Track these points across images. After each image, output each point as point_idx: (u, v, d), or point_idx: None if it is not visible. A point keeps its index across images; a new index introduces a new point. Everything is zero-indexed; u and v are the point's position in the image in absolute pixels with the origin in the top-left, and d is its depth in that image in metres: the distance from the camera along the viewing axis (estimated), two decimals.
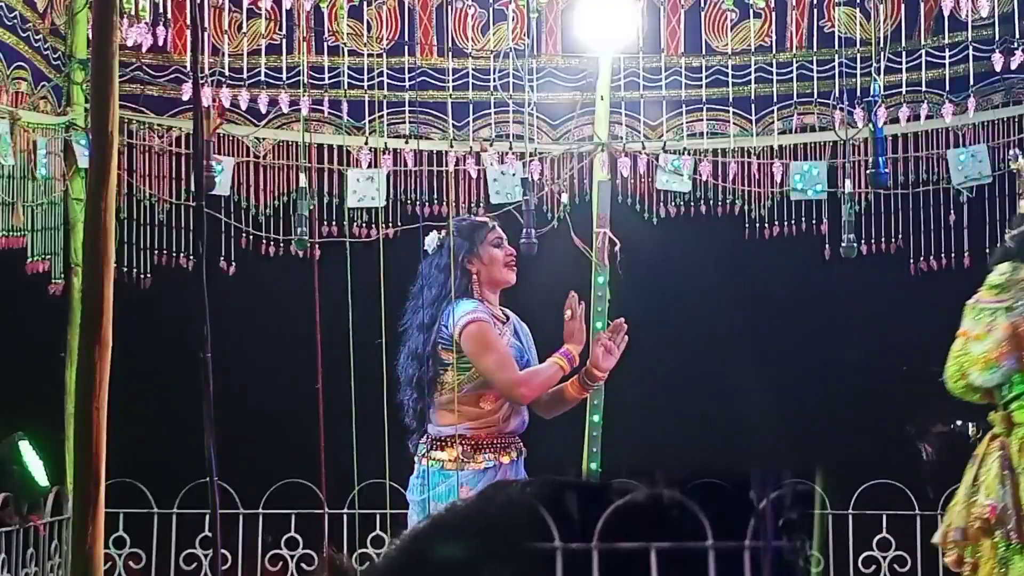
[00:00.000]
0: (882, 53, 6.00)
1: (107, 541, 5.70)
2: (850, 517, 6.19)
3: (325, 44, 6.25)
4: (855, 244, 6.11)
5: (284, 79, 6.12)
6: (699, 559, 2.27)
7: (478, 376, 4.60)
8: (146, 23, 5.81)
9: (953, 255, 6.16)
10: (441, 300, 4.67)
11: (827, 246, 6.28)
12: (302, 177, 6.07)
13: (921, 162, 6.30)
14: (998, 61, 5.83)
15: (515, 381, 4.60)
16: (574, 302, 4.73)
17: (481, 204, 6.28)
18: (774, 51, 6.35)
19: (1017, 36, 5.80)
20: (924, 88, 6.12)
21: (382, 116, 6.27)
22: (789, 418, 6.41)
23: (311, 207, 6.06)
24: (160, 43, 5.95)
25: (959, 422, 6.80)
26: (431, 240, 4.78)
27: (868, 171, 6.12)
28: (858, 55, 6.15)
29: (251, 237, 6.27)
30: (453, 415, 4.59)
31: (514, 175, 6.27)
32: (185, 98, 6.06)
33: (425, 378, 4.64)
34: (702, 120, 6.40)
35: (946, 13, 5.86)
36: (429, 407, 4.68)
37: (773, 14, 6.33)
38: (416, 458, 4.69)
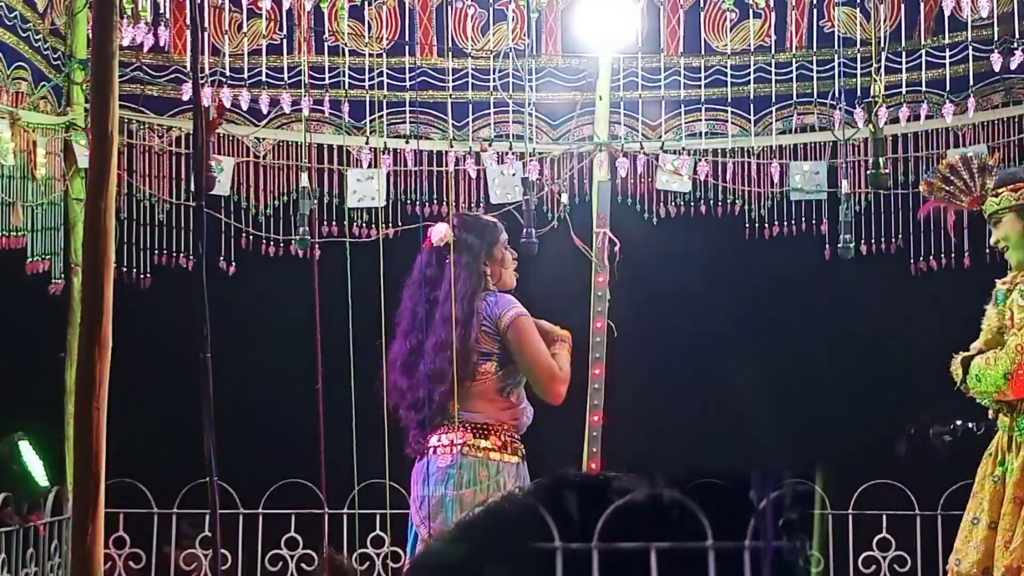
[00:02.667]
0: (882, 53, 6.00)
1: (107, 541, 5.70)
2: (850, 517, 6.19)
3: (325, 44, 6.25)
4: (851, 245, 6.11)
5: (285, 79, 6.12)
6: (699, 559, 2.27)
7: (515, 369, 4.57)
8: (146, 23, 5.81)
9: (953, 255, 6.16)
10: (471, 296, 4.59)
11: (827, 246, 6.28)
12: (303, 177, 6.07)
13: (921, 162, 6.30)
14: (996, 61, 5.83)
15: (561, 379, 4.59)
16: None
17: (481, 204, 6.28)
18: (774, 51, 6.34)
19: (1017, 36, 5.80)
20: (924, 88, 6.12)
21: (382, 116, 6.27)
22: (789, 418, 6.41)
23: (313, 206, 6.05)
24: (160, 43, 5.95)
25: (958, 422, 6.78)
26: (438, 232, 4.73)
27: (868, 171, 6.12)
28: (858, 55, 6.15)
29: (251, 237, 6.27)
30: (492, 404, 4.55)
31: (514, 175, 6.27)
32: (185, 98, 6.06)
33: (457, 373, 4.54)
34: (701, 120, 6.41)
35: (947, 13, 5.86)
36: (452, 398, 4.58)
37: (773, 14, 6.33)
38: (443, 449, 4.57)
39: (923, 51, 6.13)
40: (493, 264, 4.70)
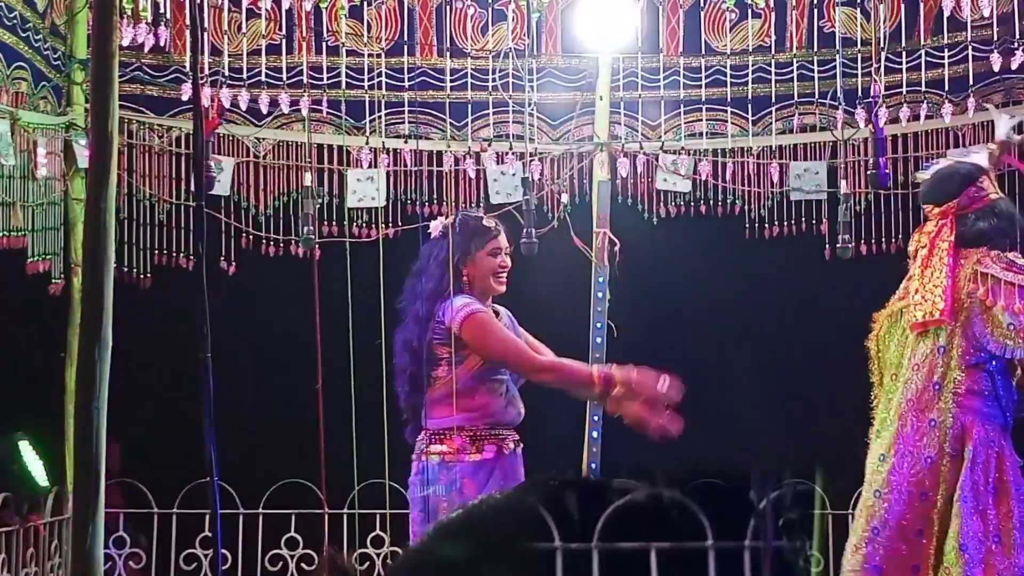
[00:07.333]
0: (882, 53, 6.00)
1: (107, 541, 5.70)
2: (850, 517, 6.17)
3: (325, 44, 6.24)
4: (850, 245, 6.11)
5: (284, 79, 6.12)
6: (699, 559, 2.27)
7: (473, 369, 4.62)
8: (146, 23, 5.80)
9: None
10: (438, 295, 4.68)
11: (827, 246, 6.28)
12: (307, 176, 6.07)
13: (921, 162, 6.29)
14: (996, 61, 5.83)
15: (540, 366, 4.66)
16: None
17: (481, 204, 6.28)
18: (774, 51, 6.34)
19: (1017, 36, 5.80)
20: (924, 88, 6.12)
21: (381, 116, 6.27)
22: (789, 418, 6.41)
23: (317, 205, 6.06)
24: (160, 43, 5.94)
25: None
26: (436, 226, 4.81)
27: (868, 171, 6.12)
28: (858, 55, 6.15)
29: (251, 237, 6.27)
30: (449, 408, 4.62)
31: (514, 175, 6.27)
32: (185, 98, 6.06)
33: (420, 373, 4.66)
34: (702, 120, 6.40)
35: (946, 13, 5.86)
36: (423, 403, 4.70)
37: (773, 14, 6.33)
38: (414, 455, 4.70)
39: (923, 51, 6.12)
40: (472, 268, 4.73)
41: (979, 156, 4.66)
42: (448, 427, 4.63)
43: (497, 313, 4.83)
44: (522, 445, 4.83)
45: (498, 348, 4.63)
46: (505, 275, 4.80)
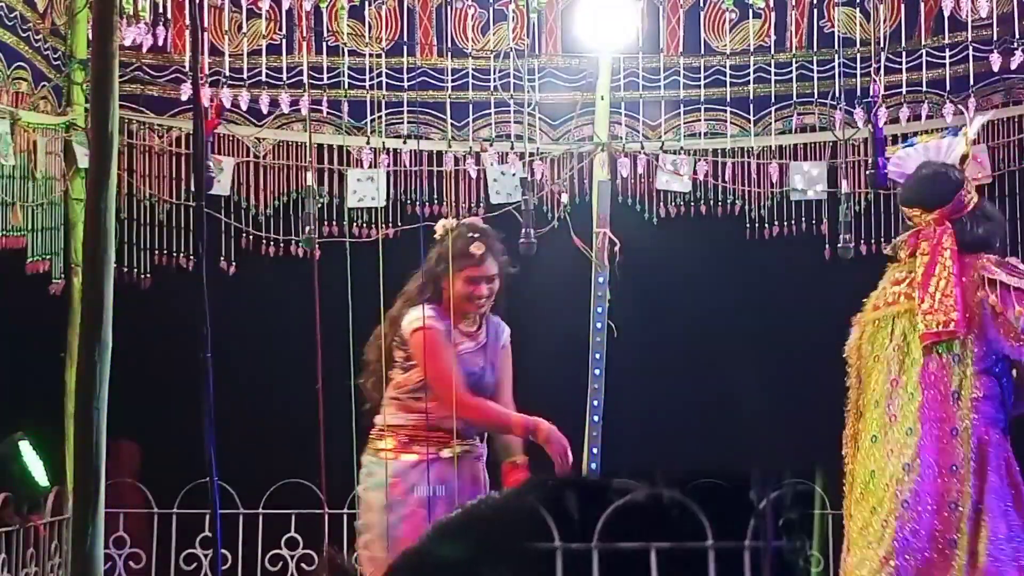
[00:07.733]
0: (882, 53, 6.00)
1: (107, 541, 5.70)
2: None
3: (325, 44, 6.25)
4: (851, 245, 6.11)
5: (284, 79, 6.12)
6: (699, 559, 2.27)
7: (420, 379, 4.65)
8: (146, 23, 5.81)
9: None
10: (408, 300, 4.73)
11: (827, 246, 6.28)
12: (308, 176, 6.07)
13: None
14: (996, 61, 5.83)
15: (463, 403, 4.64)
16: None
17: (481, 204, 6.28)
18: (774, 51, 6.34)
19: (1017, 36, 5.80)
20: (924, 88, 6.12)
21: (382, 116, 6.27)
22: (789, 418, 6.40)
23: (319, 205, 6.06)
24: (160, 43, 5.95)
25: None
26: (439, 227, 4.83)
27: (868, 171, 6.12)
28: (858, 55, 6.15)
29: (251, 237, 6.27)
30: (394, 407, 4.67)
31: (514, 175, 6.27)
32: (185, 98, 6.07)
33: (382, 371, 4.71)
34: (701, 120, 6.40)
35: (946, 13, 5.86)
36: (380, 400, 4.75)
37: (773, 14, 6.33)
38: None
39: (923, 51, 6.12)
40: (448, 285, 4.73)
41: (938, 149, 4.59)
42: (391, 424, 4.68)
43: (477, 328, 4.83)
44: (484, 451, 4.84)
45: (433, 370, 4.65)
46: (483, 301, 4.79)
